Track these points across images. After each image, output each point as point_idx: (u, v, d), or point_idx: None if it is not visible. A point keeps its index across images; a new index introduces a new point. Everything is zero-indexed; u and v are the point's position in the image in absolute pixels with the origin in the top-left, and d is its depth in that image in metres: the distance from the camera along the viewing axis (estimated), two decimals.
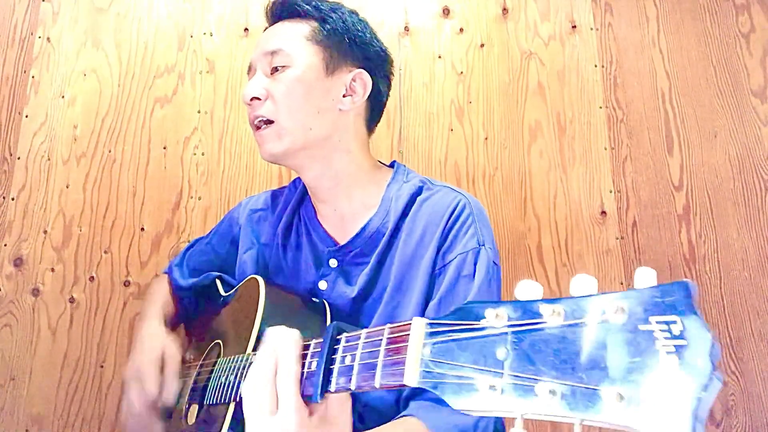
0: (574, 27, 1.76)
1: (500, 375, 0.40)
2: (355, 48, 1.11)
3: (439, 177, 1.62)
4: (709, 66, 1.73)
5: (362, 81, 1.11)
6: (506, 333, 0.42)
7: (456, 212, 1.05)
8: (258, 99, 1.06)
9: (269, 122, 1.06)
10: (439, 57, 1.73)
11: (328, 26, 1.09)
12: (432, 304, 0.99)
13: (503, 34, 1.76)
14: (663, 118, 1.70)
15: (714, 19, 1.76)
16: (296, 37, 1.08)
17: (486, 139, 1.68)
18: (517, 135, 1.69)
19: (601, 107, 1.71)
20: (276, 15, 1.15)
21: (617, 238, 1.62)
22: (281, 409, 0.64)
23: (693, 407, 0.33)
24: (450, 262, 1.01)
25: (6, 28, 1.66)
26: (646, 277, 0.39)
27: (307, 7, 1.11)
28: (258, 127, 1.08)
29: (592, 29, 1.76)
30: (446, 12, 1.76)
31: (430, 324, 0.49)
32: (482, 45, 1.74)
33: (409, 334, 0.50)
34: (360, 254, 1.09)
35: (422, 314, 1.00)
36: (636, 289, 0.38)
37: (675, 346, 0.35)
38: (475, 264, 1.00)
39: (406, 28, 1.74)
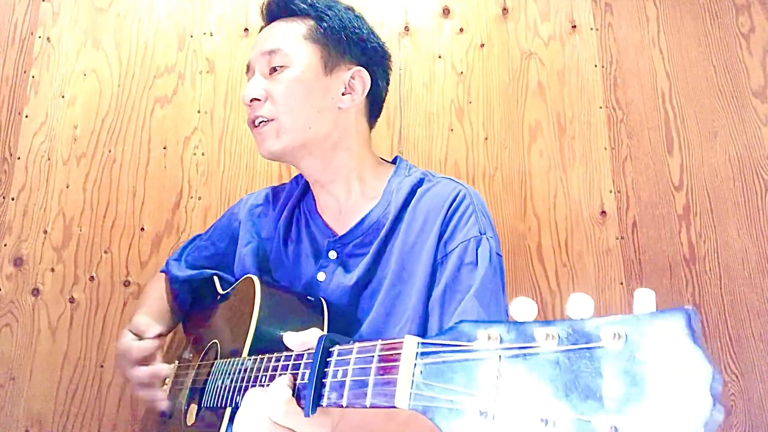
0: (574, 27, 1.75)
1: (492, 400, 0.39)
2: (352, 45, 1.11)
3: None
4: (709, 66, 1.72)
5: (361, 79, 1.11)
6: (499, 356, 0.40)
7: (456, 201, 1.05)
8: (258, 100, 1.06)
9: (269, 120, 1.06)
10: (439, 57, 1.73)
11: (325, 24, 1.09)
12: (437, 291, 0.99)
13: (503, 34, 1.75)
14: (663, 118, 1.69)
15: (714, 19, 1.75)
16: (294, 37, 1.08)
17: (486, 139, 1.67)
18: (517, 135, 1.68)
19: (601, 107, 1.70)
20: (272, 14, 1.15)
21: (617, 238, 1.62)
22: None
23: None
24: (452, 250, 1.01)
25: (6, 28, 1.65)
26: (645, 301, 0.37)
27: (303, 5, 1.10)
28: (257, 126, 1.07)
29: (592, 29, 1.76)
30: (446, 12, 1.75)
31: (422, 344, 0.48)
32: (482, 45, 1.74)
33: (400, 353, 0.48)
34: (360, 245, 1.09)
35: (426, 303, 1.00)
36: (634, 315, 0.36)
37: (673, 378, 0.33)
38: (477, 252, 1.00)
39: (406, 28, 1.74)
